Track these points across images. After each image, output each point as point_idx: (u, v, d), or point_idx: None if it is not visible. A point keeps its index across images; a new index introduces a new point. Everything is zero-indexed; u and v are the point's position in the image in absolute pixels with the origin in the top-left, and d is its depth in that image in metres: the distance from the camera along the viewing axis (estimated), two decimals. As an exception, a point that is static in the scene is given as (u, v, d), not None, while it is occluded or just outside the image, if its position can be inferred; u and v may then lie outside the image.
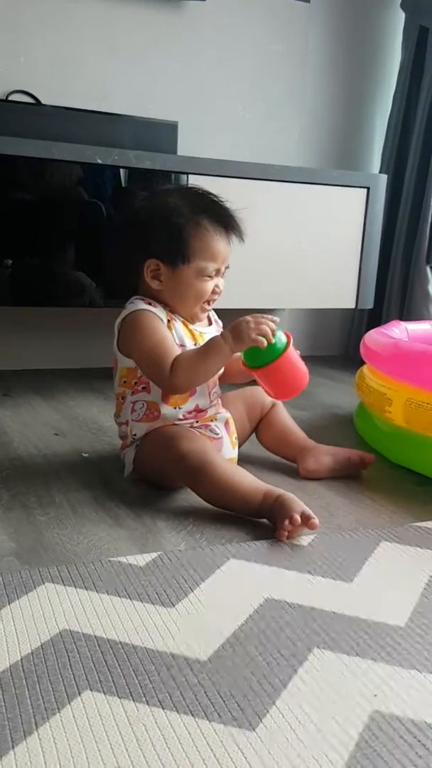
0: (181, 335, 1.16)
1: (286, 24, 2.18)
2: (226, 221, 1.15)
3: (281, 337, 1.09)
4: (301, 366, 1.11)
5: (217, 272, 1.16)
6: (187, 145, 1.99)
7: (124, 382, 1.18)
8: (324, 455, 1.25)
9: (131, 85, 2.02)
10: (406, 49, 2.29)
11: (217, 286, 1.16)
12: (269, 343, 1.06)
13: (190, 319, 1.19)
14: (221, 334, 1.09)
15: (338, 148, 2.40)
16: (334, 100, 2.37)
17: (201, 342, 1.17)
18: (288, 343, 1.09)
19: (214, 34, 2.10)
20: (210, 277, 1.15)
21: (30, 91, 1.90)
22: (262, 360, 1.08)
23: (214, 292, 1.16)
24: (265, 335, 1.05)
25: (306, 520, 0.97)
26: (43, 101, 1.90)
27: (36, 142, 1.61)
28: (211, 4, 2.03)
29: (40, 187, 1.68)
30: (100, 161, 1.66)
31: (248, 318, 1.06)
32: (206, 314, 1.22)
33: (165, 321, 1.15)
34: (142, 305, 1.14)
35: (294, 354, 1.10)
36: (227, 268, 1.18)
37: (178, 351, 1.12)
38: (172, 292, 1.15)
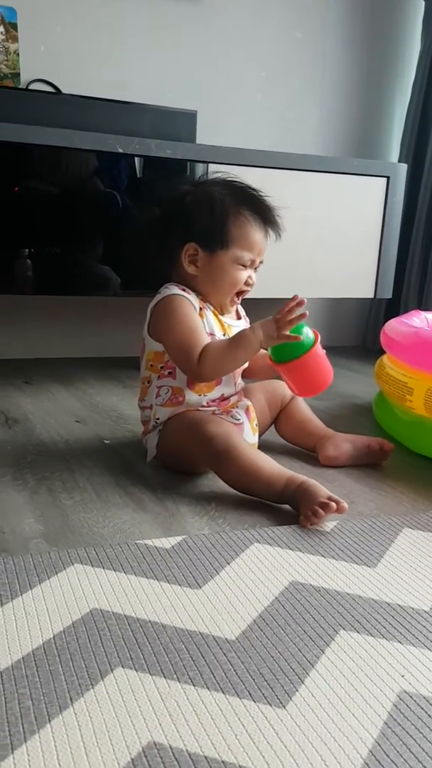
0: (211, 324, 1.18)
1: (305, 12, 2.17)
2: (265, 214, 1.18)
3: (309, 334, 1.10)
4: (327, 365, 1.12)
5: (252, 263, 1.18)
6: (206, 134, 1.99)
7: (151, 365, 1.20)
8: (343, 442, 1.26)
9: (150, 74, 2.02)
10: (426, 37, 2.27)
11: (250, 277, 1.19)
12: (300, 334, 1.08)
13: (219, 309, 1.21)
14: (251, 328, 1.10)
15: (357, 137, 2.39)
16: (354, 88, 2.36)
17: (230, 334, 1.20)
18: (315, 341, 1.10)
19: (233, 22, 2.09)
20: (245, 266, 1.17)
21: (50, 80, 1.90)
22: (289, 355, 1.09)
23: (246, 283, 1.19)
24: (293, 323, 1.07)
25: (336, 504, 0.97)
26: (63, 90, 1.90)
27: (57, 130, 1.61)
28: (229, -8, 2.03)
29: (60, 177, 1.68)
30: (121, 150, 1.67)
31: (275, 316, 1.08)
32: (235, 307, 1.24)
33: (197, 308, 1.16)
34: (176, 290, 1.16)
35: (320, 352, 1.11)
36: (261, 262, 1.20)
37: (207, 339, 1.13)
38: (207, 278, 1.17)
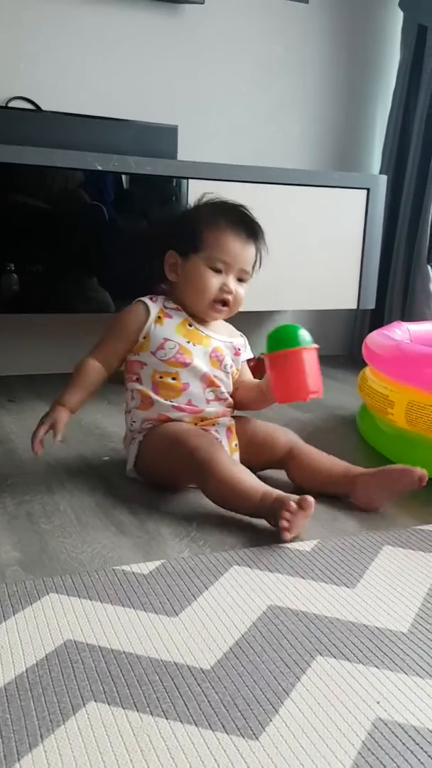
0: (169, 331, 1.19)
1: (284, 25, 2.18)
2: (244, 222, 1.19)
3: (307, 335, 1.10)
4: (315, 373, 1.09)
5: (227, 269, 1.18)
6: (187, 149, 1.99)
7: (125, 369, 1.26)
8: (369, 484, 1.12)
9: (131, 90, 2.02)
10: (405, 48, 2.29)
11: (225, 285, 1.18)
12: (296, 334, 1.08)
13: (200, 316, 1.22)
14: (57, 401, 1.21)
15: (338, 149, 2.40)
16: (334, 100, 2.37)
17: (203, 345, 1.20)
18: (313, 346, 1.10)
19: (213, 37, 2.10)
20: (217, 271, 1.17)
21: (30, 97, 1.90)
22: (284, 344, 1.08)
23: (223, 290, 1.18)
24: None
25: (303, 503, 0.97)
26: (43, 107, 1.90)
27: (36, 149, 1.61)
28: (209, 6, 2.03)
29: (42, 192, 1.68)
30: (100, 168, 1.66)
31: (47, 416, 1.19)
32: (221, 316, 1.22)
33: (153, 315, 1.19)
34: (144, 298, 1.22)
35: (315, 359, 1.10)
36: (247, 274, 1.20)
37: (111, 351, 1.21)
38: (184, 283, 1.20)
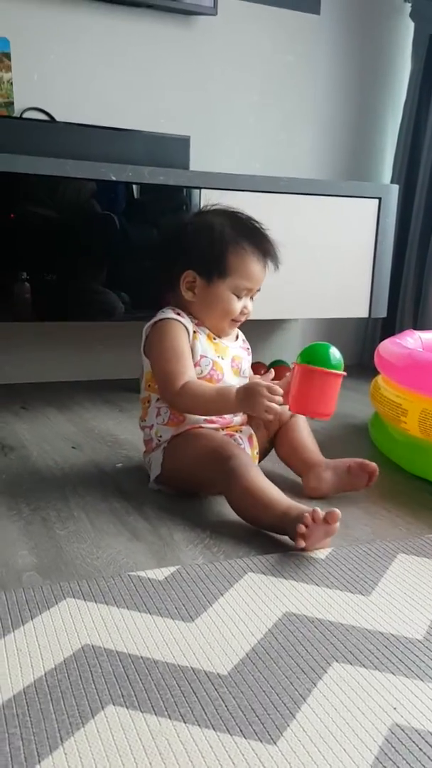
0: (205, 347, 1.20)
1: (296, 36, 2.20)
2: (265, 247, 1.21)
3: (339, 358, 1.10)
4: (333, 400, 1.10)
5: (249, 292, 1.21)
6: (199, 159, 2.01)
7: (149, 386, 1.22)
8: (324, 470, 1.21)
9: (143, 101, 2.05)
10: (415, 59, 2.30)
11: (245, 307, 1.22)
12: (330, 356, 1.09)
13: (217, 332, 1.23)
14: (238, 390, 1.11)
15: (350, 159, 2.41)
16: (345, 110, 2.39)
17: (226, 357, 1.22)
18: (342, 373, 1.10)
19: (225, 48, 2.12)
20: (240, 296, 1.20)
21: (44, 108, 1.93)
22: (319, 362, 1.09)
23: (242, 312, 1.21)
24: (274, 413, 1.09)
25: (328, 516, 0.96)
26: (57, 118, 1.93)
27: (50, 160, 1.63)
28: (221, 17, 2.05)
29: (55, 202, 1.70)
30: (114, 178, 1.68)
31: (264, 392, 1.07)
32: (231, 330, 1.26)
33: (191, 332, 1.19)
34: (171, 314, 1.19)
35: (338, 385, 1.10)
36: (258, 290, 1.23)
37: (191, 369, 1.16)
38: (203, 305, 1.20)
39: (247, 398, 1.09)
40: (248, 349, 1.31)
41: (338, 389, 1.10)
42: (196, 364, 1.18)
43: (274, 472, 1.32)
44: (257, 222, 1.23)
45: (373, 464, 1.19)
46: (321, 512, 0.97)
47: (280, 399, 1.08)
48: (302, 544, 0.97)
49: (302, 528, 0.96)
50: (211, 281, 1.19)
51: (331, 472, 1.21)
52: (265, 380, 1.15)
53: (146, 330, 1.21)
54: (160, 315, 1.20)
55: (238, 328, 1.30)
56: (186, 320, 1.20)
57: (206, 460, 1.12)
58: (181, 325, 1.18)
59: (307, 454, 1.25)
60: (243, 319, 1.23)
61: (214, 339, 1.22)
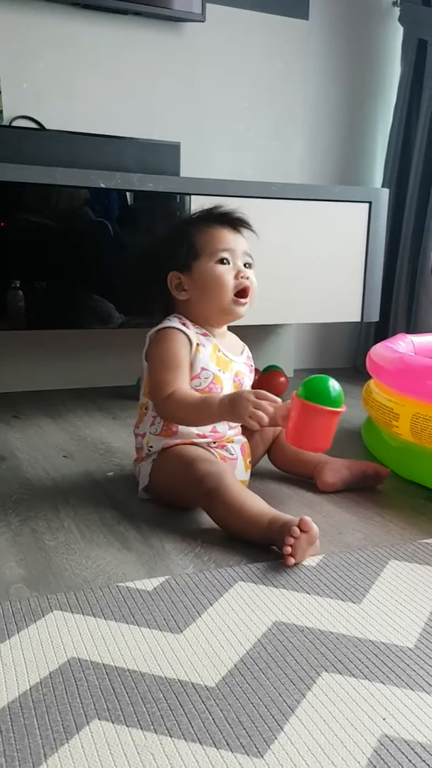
0: (206, 360, 1.17)
1: (285, 41, 2.20)
2: (228, 217, 1.21)
3: (339, 393, 1.08)
4: (330, 435, 1.10)
5: (233, 256, 1.17)
6: (190, 165, 2.01)
7: (148, 392, 1.20)
8: (341, 468, 1.27)
9: (133, 108, 2.04)
10: (405, 63, 2.31)
11: (239, 271, 1.17)
12: (329, 393, 1.06)
13: (225, 318, 1.20)
14: (220, 399, 1.08)
15: (340, 163, 2.41)
16: (335, 115, 2.39)
17: (228, 371, 1.20)
18: (341, 410, 1.08)
19: (214, 54, 2.12)
20: (225, 262, 1.17)
21: (33, 116, 1.93)
22: (318, 398, 1.06)
23: (239, 277, 1.17)
24: (259, 420, 1.04)
25: (304, 526, 0.95)
26: (47, 126, 1.92)
27: (40, 168, 1.63)
28: (210, 24, 2.05)
29: (47, 210, 1.70)
30: (103, 185, 1.68)
31: (250, 397, 1.05)
32: (243, 310, 1.20)
33: (194, 344, 1.16)
34: (176, 324, 1.17)
35: (336, 422, 1.09)
36: (250, 261, 1.20)
37: (185, 381, 1.14)
38: (199, 295, 1.18)
39: (231, 405, 1.06)
40: (252, 366, 1.28)
41: (335, 425, 1.09)
42: (195, 377, 1.16)
43: (274, 472, 1.32)
44: (220, 205, 1.23)
45: (387, 470, 1.29)
46: (296, 528, 0.95)
47: (268, 406, 1.05)
48: (291, 561, 0.96)
49: (288, 549, 0.95)
50: (190, 268, 1.18)
51: (347, 471, 1.27)
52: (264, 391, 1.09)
53: (150, 336, 1.20)
54: (166, 323, 1.18)
55: (241, 339, 1.28)
56: (191, 332, 1.17)
57: (183, 482, 1.10)
58: (183, 337, 1.16)
59: (311, 455, 1.28)
60: (245, 285, 1.17)
61: (218, 352, 1.20)
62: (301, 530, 0.96)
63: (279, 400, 1.07)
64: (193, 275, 1.18)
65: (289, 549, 0.95)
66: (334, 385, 1.08)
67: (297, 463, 1.31)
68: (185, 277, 1.19)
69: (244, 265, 1.19)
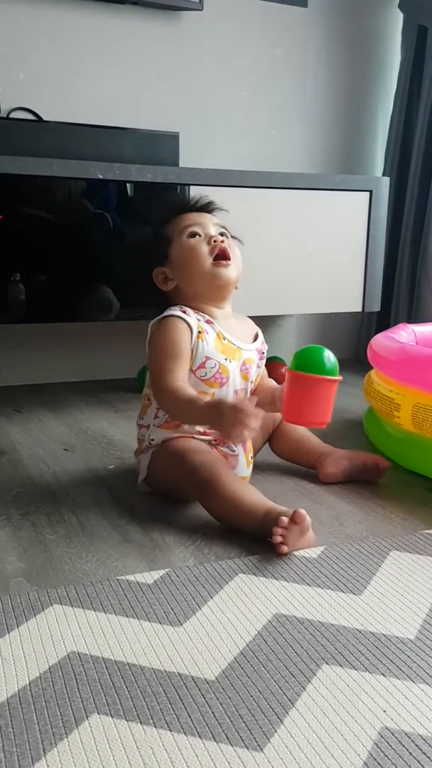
0: (210, 350, 1.15)
1: (284, 29, 2.18)
2: (190, 204, 1.24)
3: (334, 362, 1.05)
4: (328, 407, 1.06)
5: (203, 229, 1.19)
6: (189, 155, 2.00)
7: (149, 380, 1.20)
8: (341, 459, 1.27)
9: (131, 98, 2.03)
10: (405, 49, 2.28)
11: (210, 237, 1.17)
12: (323, 361, 1.04)
13: (214, 286, 1.17)
14: (208, 401, 1.06)
15: (341, 152, 2.39)
16: (335, 103, 2.37)
17: (236, 360, 1.17)
18: (337, 378, 1.05)
19: (213, 43, 2.10)
20: (197, 235, 1.18)
21: (31, 107, 1.91)
22: (311, 368, 1.03)
23: (211, 242, 1.17)
24: (239, 438, 1.05)
25: (297, 519, 0.95)
26: (45, 117, 1.91)
27: (37, 160, 1.62)
28: (208, 12, 2.03)
29: (47, 202, 1.69)
30: (101, 176, 1.67)
31: (235, 408, 0.98)
32: (229, 273, 1.17)
33: (195, 331, 1.14)
34: (176, 312, 1.16)
35: (333, 391, 1.05)
36: (225, 232, 1.20)
37: (184, 370, 1.12)
38: (180, 274, 1.19)
39: (212, 415, 1.01)
40: (263, 354, 1.26)
41: (333, 395, 1.05)
42: (201, 366, 1.14)
43: (274, 463, 1.32)
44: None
45: (387, 462, 1.28)
46: (285, 518, 0.95)
47: (252, 422, 0.98)
48: (284, 550, 0.96)
49: (278, 538, 0.95)
50: (168, 256, 1.20)
51: (348, 461, 1.27)
52: (249, 403, 1.00)
53: (152, 326, 1.19)
54: (167, 312, 1.17)
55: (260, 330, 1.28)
56: (191, 318, 1.15)
57: (178, 473, 1.10)
58: (184, 324, 1.14)
59: (314, 445, 1.30)
60: (222, 247, 1.16)
61: (224, 340, 1.17)
62: (294, 522, 0.95)
63: (261, 412, 0.99)
64: (172, 261, 1.20)
65: (279, 538, 0.95)
66: (327, 354, 1.05)
67: (299, 452, 1.31)
68: (167, 268, 1.20)
69: (220, 235, 1.19)
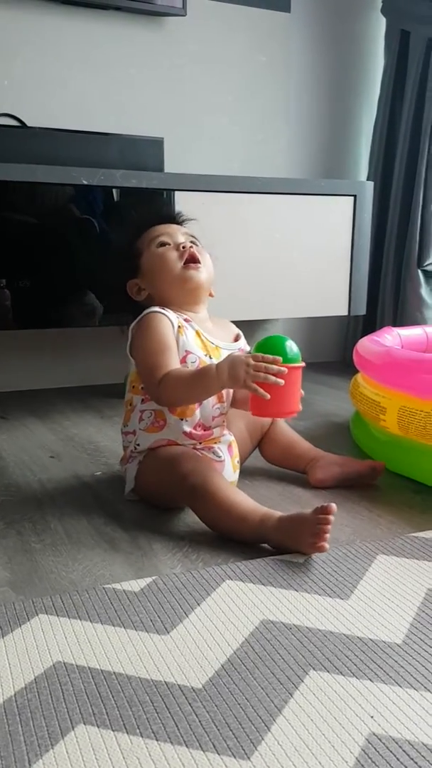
0: (191, 344, 1.15)
1: (267, 35, 2.19)
2: (157, 217, 1.26)
3: (296, 350, 1.05)
4: (296, 394, 1.04)
5: (172, 238, 1.20)
6: (174, 160, 2.00)
7: (133, 387, 1.19)
8: (332, 465, 1.27)
9: (116, 103, 2.03)
10: (388, 54, 2.30)
11: (179, 244, 1.19)
12: (284, 349, 1.03)
13: (186, 289, 1.18)
14: (217, 366, 1.06)
15: (325, 157, 2.41)
16: (319, 108, 2.38)
17: (215, 357, 1.16)
18: (300, 365, 1.04)
19: (196, 48, 2.10)
20: (165, 244, 1.20)
21: (15, 114, 1.91)
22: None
23: (180, 248, 1.19)
24: (261, 380, 1.00)
25: (323, 509, 0.96)
26: (29, 123, 1.91)
27: (21, 166, 1.61)
28: (191, 18, 2.04)
29: (32, 208, 1.68)
30: (86, 182, 1.66)
31: (249, 360, 1.01)
32: (199, 275, 1.18)
33: (176, 326, 1.14)
34: (155, 308, 1.16)
35: (299, 378, 1.04)
36: (194, 240, 1.22)
37: (176, 361, 1.12)
38: (153, 282, 1.20)
39: (230, 369, 1.02)
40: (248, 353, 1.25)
41: (299, 383, 1.04)
42: (182, 360, 1.13)
43: (262, 467, 1.32)
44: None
45: (382, 463, 1.28)
46: (333, 506, 0.96)
47: (268, 366, 1.00)
48: (326, 547, 0.96)
49: (325, 535, 0.95)
50: (138, 267, 1.21)
51: (339, 468, 1.26)
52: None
53: (132, 328, 1.18)
54: (146, 311, 1.17)
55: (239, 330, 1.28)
56: (171, 314, 1.15)
57: (168, 480, 1.09)
58: (164, 318, 1.14)
59: (304, 449, 1.30)
60: (191, 252, 1.17)
61: (203, 336, 1.17)
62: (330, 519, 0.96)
63: (279, 358, 1.01)
64: (143, 272, 1.21)
65: (322, 540, 0.96)
66: (289, 344, 1.05)
67: (289, 457, 1.31)
68: (140, 279, 1.22)
69: (189, 243, 1.20)
